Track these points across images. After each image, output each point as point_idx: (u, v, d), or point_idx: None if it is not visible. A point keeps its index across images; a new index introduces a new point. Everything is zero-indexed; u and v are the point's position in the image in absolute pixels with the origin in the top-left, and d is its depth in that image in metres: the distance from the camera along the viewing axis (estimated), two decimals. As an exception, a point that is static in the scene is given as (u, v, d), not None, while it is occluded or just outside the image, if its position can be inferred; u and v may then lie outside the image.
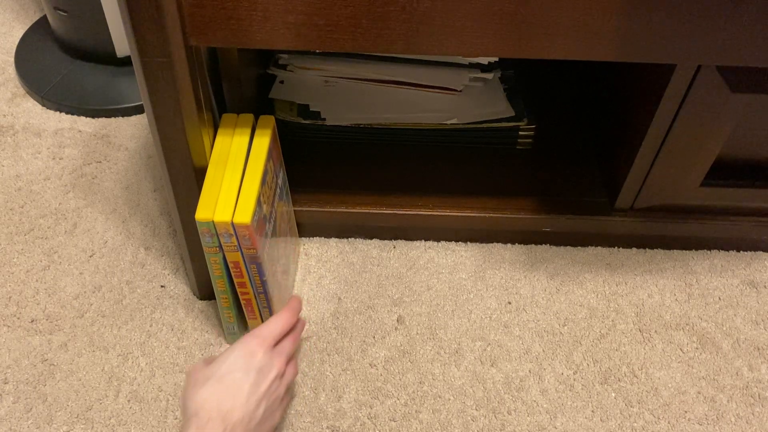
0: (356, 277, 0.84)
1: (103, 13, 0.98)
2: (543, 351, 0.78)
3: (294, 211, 0.81)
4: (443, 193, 0.83)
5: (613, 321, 0.81)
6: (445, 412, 0.73)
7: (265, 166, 0.67)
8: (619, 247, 0.88)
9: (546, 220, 0.81)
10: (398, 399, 0.73)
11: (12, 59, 1.10)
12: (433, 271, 0.85)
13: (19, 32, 1.14)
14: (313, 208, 0.81)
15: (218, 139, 0.68)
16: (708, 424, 0.73)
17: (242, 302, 0.71)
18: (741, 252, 0.88)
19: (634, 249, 0.88)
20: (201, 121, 0.63)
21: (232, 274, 0.68)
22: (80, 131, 1.00)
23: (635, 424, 0.72)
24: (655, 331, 0.80)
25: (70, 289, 0.81)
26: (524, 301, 0.82)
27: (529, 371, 0.76)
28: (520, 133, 0.87)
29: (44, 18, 1.14)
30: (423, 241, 0.88)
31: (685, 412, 0.74)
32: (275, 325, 0.65)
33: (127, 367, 0.75)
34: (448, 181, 0.84)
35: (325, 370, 0.75)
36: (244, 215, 0.62)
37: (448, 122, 0.86)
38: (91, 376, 0.74)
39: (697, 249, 0.88)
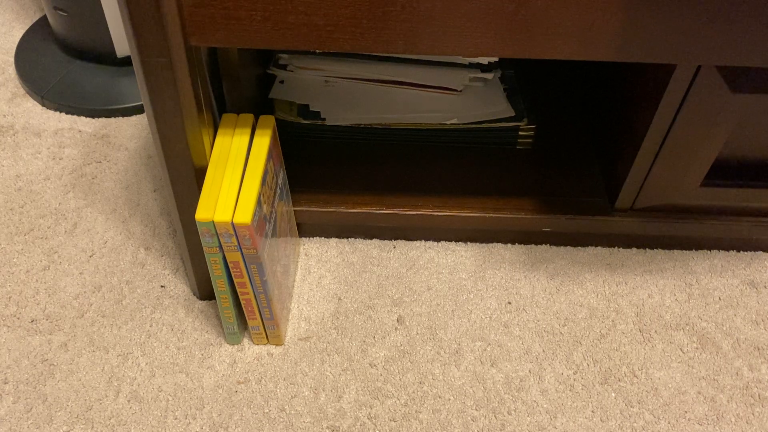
0: (356, 277, 0.84)
1: (103, 13, 0.98)
2: (543, 351, 0.78)
3: (294, 211, 0.81)
4: (443, 193, 0.83)
5: (613, 321, 0.81)
6: (445, 412, 0.73)
7: (265, 166, 0.67)
8: (619, 247, 0.88)
9: (546, 220, 0.81)
10: (398, 399, 0.73)
11: (12, 59, 1.10)
12: (433, 271, 0.85)
13: (19, 32, 1.14)
14: (313, 208, 0.81)
15: (218, 139, 0.68)
16: (708, 424, 0.73)
17: (242, 302, 0.71)
18: (741, 252, 0.88)
19: (634, 249, 0.88)
20: (201, 121, 0.63)
21: (232, 274, 0.68)
22: (80, 131, 1.00)
23: (635, 424, 0.72)
24: (655, 331, 0.80)
25: (70, 289, 0.81)
26: (524, 301, 0.82)
27: (529, 371, 0.76)
28: (520, 133, 0.87)
29: (44, 18, 1.14)
30: (423, 241, 0.88)
31: (685, 412, 0.74)
32: None
33: (127, 367, 0.75)
34: (448, 181, 0.84)
35: (325, 370, 0.75)
36: (244, 215, 0.62)
37: (448, 122, 0.86)
38: (91, 376, 0.74)
39: (697, 249, 0.88)
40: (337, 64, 0.89)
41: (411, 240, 0.88)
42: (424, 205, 0.82)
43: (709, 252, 0.88)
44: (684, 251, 0.88)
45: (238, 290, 0.70)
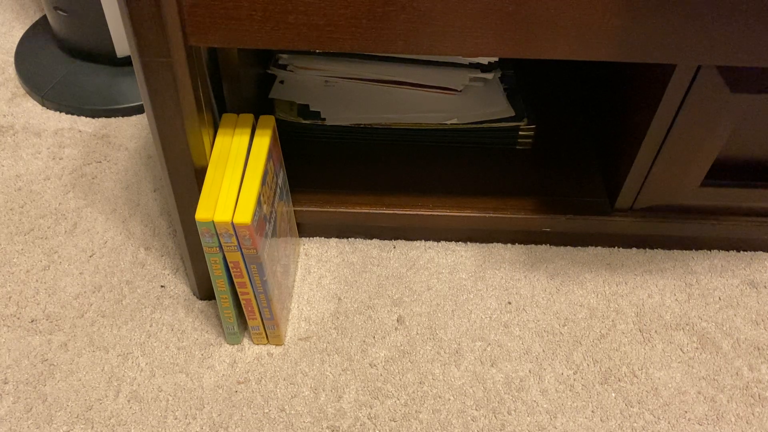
0: (356, 277, 0.84)
1: (103, 13, 0.98)
2: (543, 351, 0.78)
3: (294, 211, 0.81)
4: (443, 193, 0.83)
5: (613, 321, 0.81)
6: (445, 412, 0.73)
7: (265, 166, 0.67)
8: (619, 247, 0.88)
9: (546, 220, 0.81)
10: (398, 399, 0.73)
11: (12, 59, 1.10)
12: (433, 271, 0.85)
13: (19, 32, 1.14)
14: (313, 208, 0.81)
15: (218, 139, 0.68)
16: (708, 424, 0.73)
17: (242, 302, 0.71)
18: (741, 252, 0.88)
19: (634, 249, 0.88)
20: (201, 121, 0.63)
21: (232, 274, 0.68)
22: (80, 131, 1.00)
23: (635, 424, 0.72)
24: (655, 331, 0.80)
25: (70, 289, 0.81)
26: (524, 301, 0.82)
27: (529, 371, 0.76)
28: (520, 133, 0.87)
29: (44, 18, 1.14)
30: (423, 241, 0.88)
31: (685, 412, 0.74)
32: None
33: (127, 367, 0.75)
34: (448, 181, 0.84)
35: (325, 370, 0.75)
36: (244, 215, 0.62)
37: (448, 122, 0.86)
38: (91, 376, 0.74)
39: (697, 249, 0.88)
40: (337, 64, 0.89)
41: (411, 240, 0.88)
42: (424, 205, 0.82)
43: (709, 252, 0.88)
44: (684, 251, 0.88)
45: (238, 290, 0.70)
